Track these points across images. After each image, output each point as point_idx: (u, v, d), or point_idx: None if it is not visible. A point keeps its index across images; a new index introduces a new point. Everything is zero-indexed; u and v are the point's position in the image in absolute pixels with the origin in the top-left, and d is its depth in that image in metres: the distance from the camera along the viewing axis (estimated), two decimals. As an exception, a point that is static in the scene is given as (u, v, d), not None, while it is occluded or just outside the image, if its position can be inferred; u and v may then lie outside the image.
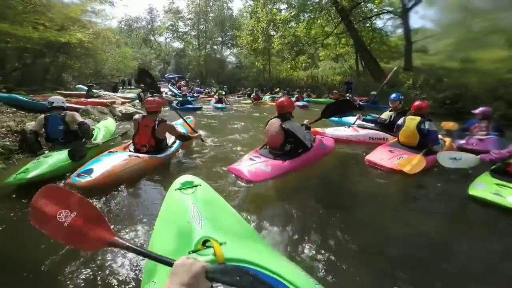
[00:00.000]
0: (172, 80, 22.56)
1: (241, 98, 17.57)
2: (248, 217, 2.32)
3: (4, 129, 4.51)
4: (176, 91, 16.73)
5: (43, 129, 3.62)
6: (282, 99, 3.53)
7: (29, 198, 2.53)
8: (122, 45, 19.89)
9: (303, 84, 19.60)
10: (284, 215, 2.45)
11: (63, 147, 3.47)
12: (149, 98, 3.72)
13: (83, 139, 3.83)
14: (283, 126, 3.26)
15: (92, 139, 4.12)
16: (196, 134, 4.53)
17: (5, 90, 8.14)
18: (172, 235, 1.26)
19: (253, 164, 3.04)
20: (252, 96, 14.02)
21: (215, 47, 33.31)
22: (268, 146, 3.51)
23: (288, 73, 22.28)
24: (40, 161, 3.06)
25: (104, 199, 2.59)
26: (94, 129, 4.67)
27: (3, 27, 7.60)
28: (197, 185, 1.57)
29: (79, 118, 3.78)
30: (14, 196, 2.70)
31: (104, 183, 2.69)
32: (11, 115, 5.47)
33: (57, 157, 3.19)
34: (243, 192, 2.83)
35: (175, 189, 1.55)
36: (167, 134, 3.80)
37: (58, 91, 10.92)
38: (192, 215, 1.30)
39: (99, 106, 6.88)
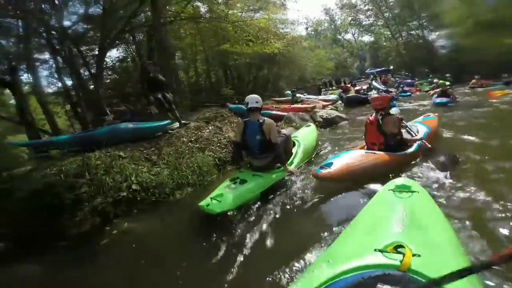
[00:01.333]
0: (372, 76, 19.92)
1: (478, 88, 12.03)
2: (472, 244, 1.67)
3: (225, 139, 4.77)
4: (380, 87, 14.26)
5: (243, 136, 3.15)
6: None
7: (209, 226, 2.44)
8: (314, 49, 20.16)
9: None
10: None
11: (258, 158, 3.11)
12: (374, 95, 3.74)
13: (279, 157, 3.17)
14: None
15: (290, 160, 3.42)
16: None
17: (237, 101, 10.08)
18: (366, 229, 1.29)
19: None
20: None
21: (412, 32, 26.24)
22: None
23: None
24: (234, 188, 2.73)
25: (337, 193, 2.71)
26: (294, 142, 3.88)
27: (226, 47, 9.18)
28: (415, 191, 1.51)
29: (275, 133, 3.10)
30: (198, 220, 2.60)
31: (340, 176, 2.75)
32: (234, 125, 5.98)
33: (249, 186, 2.79)
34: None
35: (388, 189, 1.56)
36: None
37: (272, 98, 12.31)
38: (396, 218, 1.29)
39: (300, 113, 6.35)
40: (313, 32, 34.48)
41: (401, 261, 0.96)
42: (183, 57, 16.02)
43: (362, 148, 3.46)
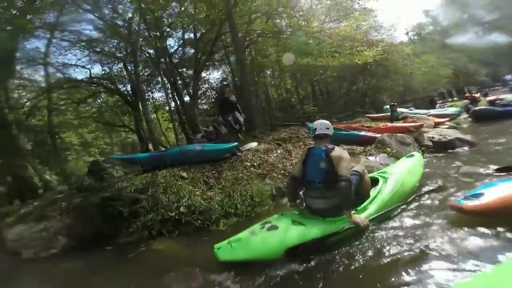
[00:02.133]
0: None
1: None
2: None
3: (291, 166, 4.02)
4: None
5: (303, 166, 2.39)
6: None
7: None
8: (420, 55, 16.35)
9: None
10: None
11: (320, 198, 2.24)
12: None
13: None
14: None
15: (363, 205, 2.35)
16: None
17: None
18: None
19: None
20: None
21: None
22: None
23: None
24: (257, 235, 2.06)
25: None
26: (378, 178, 2.74)
27: (307, 61, 8.43)
28: None
29: (346, 164, 2.19)
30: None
31: (495, 209, 2.01)
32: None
33: (276, 237, 2.01)
34: None
35: None
36: None
37: (367, 115, 10.53)
38: None
39: (399, 134, 4.81)
40: (416, 37, 29.18)
41: None
42: (272, 74, 16.34)
43: None
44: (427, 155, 4.67)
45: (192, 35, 9.43)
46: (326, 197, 2.20)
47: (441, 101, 14.86)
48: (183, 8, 8.13)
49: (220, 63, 14.60)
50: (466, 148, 4.86)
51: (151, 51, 9.08)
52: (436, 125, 6.71)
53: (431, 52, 18.99)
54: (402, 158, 3.43)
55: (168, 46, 9.32)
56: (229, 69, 14.89)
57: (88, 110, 11.38)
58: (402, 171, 2.89)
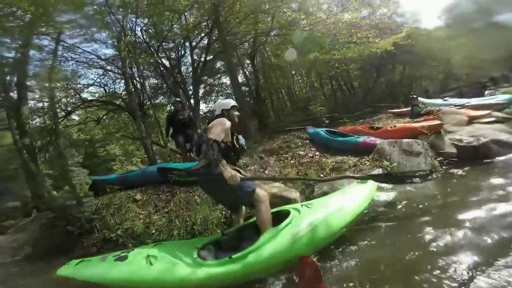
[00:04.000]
0: None
1: None
2: None
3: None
4: None
5: None
6: None
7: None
8: (457, 37, 13.58)
9: None
10: None
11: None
12: None
13: None
14: None
15: (243, 252, 1.83)
16: None
17: (327, 121, 8.07)
18: None
19: None
20: None
21: None
22: None
23: None
24: (108, 261, 1.91)
25: None
26: (290, 212, 2.06)
27: (316, 56, 7.64)
28: None
29: (214, 129, 2.05)
30: None
31: None
32: (293, 161, 4.29)
33: (117, 269, 1.82)
34: None
35: None
36: None
37: (390, 110, 9.06)
38: None
39: (404, 140, 3.66)
40: (451, 20, 24.83)
41: None
42: (295, 73, 15.36)
43: None
44: (453, 169, 3.43)
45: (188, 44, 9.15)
46: (200, 160, 2.16)
47: (493, 88, 12.12)
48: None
49: (238, 68, 14.19)
50: (510, 155, 3.51)
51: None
52: (472, 120, 5.13)
53: (471, 34, 15.84)
54: (352, 184, 2.55)
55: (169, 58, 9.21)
56: (250, 71, 14.24)
57: (117, 125, 12.02)
58: (329, 209, 2.07)
